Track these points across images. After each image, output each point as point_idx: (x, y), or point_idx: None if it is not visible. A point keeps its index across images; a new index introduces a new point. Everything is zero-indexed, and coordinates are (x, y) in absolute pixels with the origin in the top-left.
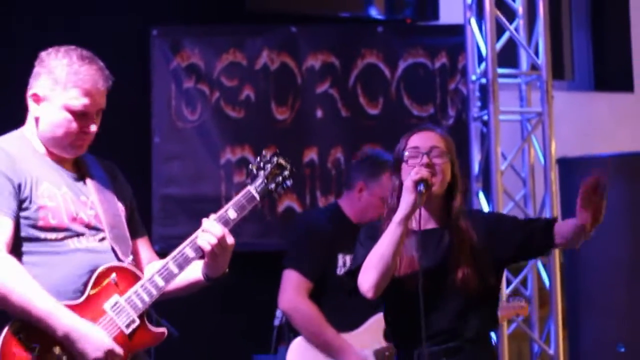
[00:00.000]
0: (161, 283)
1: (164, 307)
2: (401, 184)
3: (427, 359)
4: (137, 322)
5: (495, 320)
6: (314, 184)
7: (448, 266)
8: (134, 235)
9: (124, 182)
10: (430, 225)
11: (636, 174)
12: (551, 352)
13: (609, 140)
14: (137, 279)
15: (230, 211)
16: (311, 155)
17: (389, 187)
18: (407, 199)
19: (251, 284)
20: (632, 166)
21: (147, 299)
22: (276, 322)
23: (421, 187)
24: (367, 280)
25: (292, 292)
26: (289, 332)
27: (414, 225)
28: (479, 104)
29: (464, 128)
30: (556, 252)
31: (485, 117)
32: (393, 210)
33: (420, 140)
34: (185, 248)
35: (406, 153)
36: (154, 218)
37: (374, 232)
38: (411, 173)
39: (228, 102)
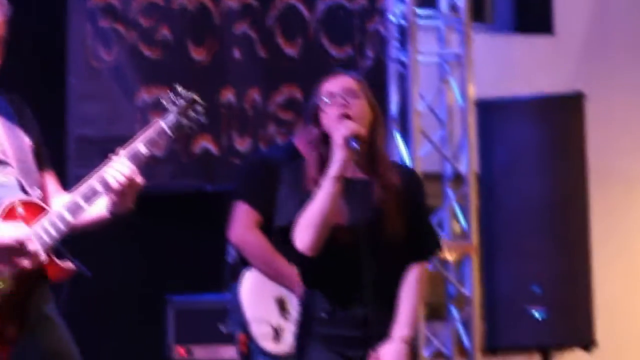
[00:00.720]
0: (69, 217)
1: (76, 247)
2: (321, 134)
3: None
4: (44, 256)
5: None
6: (231, 124)
7: (377, 219)
8: (41, 169)
9: (30, 117)
10: (356, 173)
11: (553, 115)
12: (467, 293)
13: (528, 83)
14: (44, 212)
15: (140, 146)
16: (228, 95)
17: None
18: (339, 155)
19: (167, 226)
20: (549, 107)
21: (54, 233)
22: (229, 260)
23: (354, 144)
24: (305, 240)
25: (241, 224)
26: (242, 266)
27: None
28: (397, 45)
29: (383, 69)
30: (472, 194)
31: (404, 59)
32: (316, 161)
33: (334, 85)
34: (93, 183)
35: (323, 99)
36: (70, 158)
37: (298, 176)
38: (340, 128)
39: (144, 42)
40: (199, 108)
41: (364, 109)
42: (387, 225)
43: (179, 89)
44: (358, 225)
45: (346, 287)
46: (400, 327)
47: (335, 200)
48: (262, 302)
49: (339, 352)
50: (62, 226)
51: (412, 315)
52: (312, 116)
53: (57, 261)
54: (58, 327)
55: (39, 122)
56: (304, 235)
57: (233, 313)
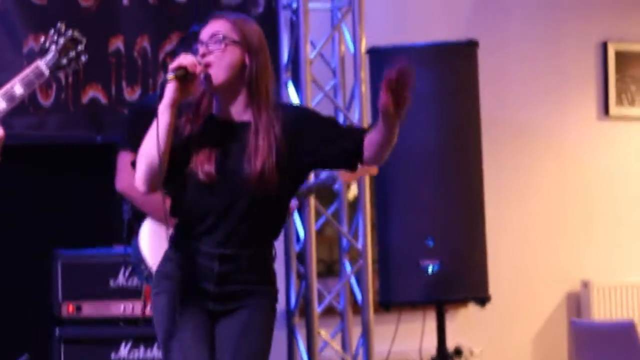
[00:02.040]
0: None
1: None
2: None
3: (202, 258)
4: None
5: (280, 229)
6: (120, 73)
7: (244, 163)
8: None
9: None
10: (242, 116)
11: (446, 63)
12: (359, 246)
13: (422, 32)
14: None
15: (17, 87)
16: (117, 43)
17: None
18: (169, 86)
19: (56, 177)
20: (442, 55)
21: None
22: (125, 216)
23: (173, 74)
24: (139, 175)
25: (126, 171)
26: (137, 222)
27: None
28: None
29: (274, 17)
30: None
31: (295, 5)
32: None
33: (204, 31)
34: None
35: (195, 48)
36: None
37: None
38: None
39: None
40: (80, 47)
41: (225, 53)
42: (253, 171)
43: (60, 27)
44: (222, 168)
45: (203, 227)
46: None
47: (167, 132)
48: (163, 249)
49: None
50: None
51: None
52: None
53: None
54: None
55: None
56: (137, 169)
57: (137, 267)
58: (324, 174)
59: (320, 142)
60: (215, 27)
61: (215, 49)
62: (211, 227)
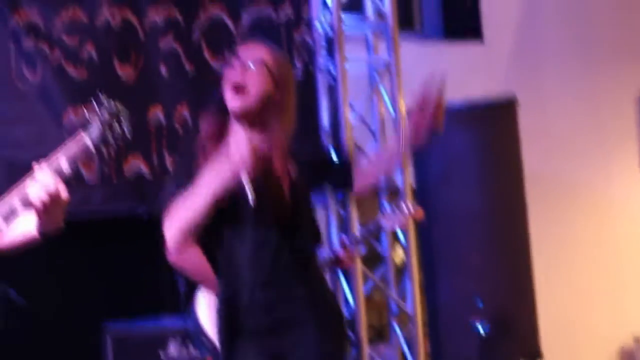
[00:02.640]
0: None
1: (9, 274)
2: (221, 99)
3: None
4: None
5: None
6: (161, 142)
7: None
8: None
9: None
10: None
11: (486, 122)
12: (409, 309)
13: (460, 91)
14: None
15: (62, 161)
16: (156, 113)
17: None
18: (225, 174)
19: (103, 251)
20: (482, 115)
21: None
22: (181, 289)
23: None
24: (169, 234)
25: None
26: (195, 291)
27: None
28: (325, 54)
29: (312, 81)
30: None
31: (332, 68)
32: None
33: (244, 51)
34: (13, 200)
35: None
36: None
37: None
38: (237, 152)
39: (69, 61)
40: (123, 120)
41: (261, 83)
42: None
43: (102, 98)
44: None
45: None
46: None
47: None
48: None
49: (261, 343)
50: None
51: None
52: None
53: None
54: None
55: None
56: (169, 227)
57: (196, 338)
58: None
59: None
60: (255, 52)
61: (251, 75)
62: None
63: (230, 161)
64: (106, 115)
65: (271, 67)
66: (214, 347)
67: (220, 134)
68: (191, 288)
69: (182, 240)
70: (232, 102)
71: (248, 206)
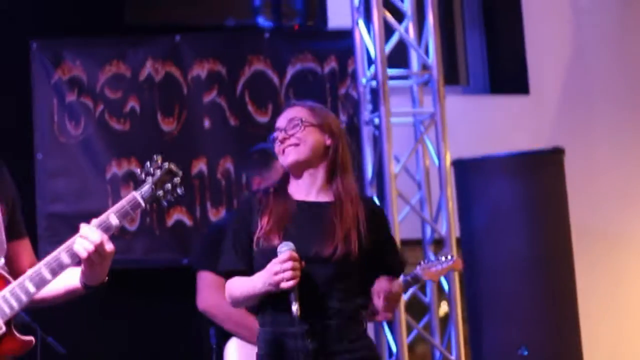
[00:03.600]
0: (32, 289)
1: (52, 322)
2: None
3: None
4: (3, 329)
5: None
6: (204, 195)
7: (321, 238)
8: (13, 236)
9: (7, 179)
10: (309, 197)
11: (532, 172)
12: (453, 357)
13: (505, 143)
14: (7, 283)
15: (112, 217)
16: (200, 166)
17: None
18: (266, 287)
19: (144, 301)
20: (528, 165)
21: (15, 305)
22: (213, 341)
23: (294, 309)
24: (228, 299)
25: (207, 291)
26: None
27: (293, 194)
28: (370, 107)
29: (357, 133)
30: (455, 255)
31: (377, 121)
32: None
33: (280, 119)
34: (60, 253)
35: (273, 136)
36: (40, 236)
37: (244, 210)
38: (273, 272)
39: (112, 115)
40: (176, 180)
41: (307, 135)
42: (330, 246)
43: (157, 159)
44: (300, 250)
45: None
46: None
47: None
48: None
49: None
50: (24, 297)
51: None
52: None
53: (17, 334)
54: None
55: None
56: (231, 295)
57: None
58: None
59: (377, 246)
60: (292, 113)
61: (295, 132)
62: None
63: (274, 278)
64: (160, 175)
65: (312, 119)
66: None
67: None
68: (223, 339)
69: (233, 305)
70: (284, 158)
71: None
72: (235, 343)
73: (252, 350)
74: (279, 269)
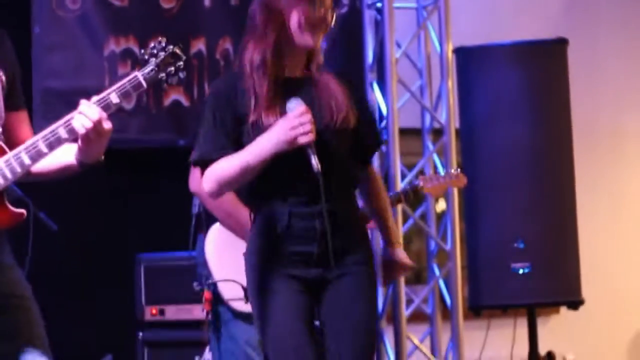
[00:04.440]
0: (27, 161)
1: (44, 201)
2: (280, 15)
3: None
4: None
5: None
6: (202, 75)
7: (322, 115)
8: (12, 107)
9: (8, 48)
10: (296, 73)
11: (535, 62)
12: (448, 248)
13: (509, 30)
14: (3, 153)
15: (112, 95)
16: (199, 45)
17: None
18: (280, 144)
19: (138, 181)
20: (531, 54)
21: (9, 175)
22: (194, 210)
23: (314, 163)
24: (210, 188)
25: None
26: (207, 218)
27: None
28: None
29: (359, 17)
30: (452, 144)
31: (380, 5)
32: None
33: (319, 5)
34: (58, 128)
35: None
36: (35, 111)
37: (227, 91)
38: (290, 127)
39: None
40: (179, 63)
41: (330, 17)
42: (335, 113)
43: (162, 40)
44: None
45: (301, 192)
46: (396, 235)
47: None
48: (230, 260)
49: (298, 276)
50: (18, 169)
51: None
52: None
53: (9, 205)
54: (10, 271)
55: None
56: (210, 183)
57: (201, 269)
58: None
59: (360, 124)
60: (328, 3)
61: (328, 17)
62: (302, 187)
63: (289, 133)
64: (163, 57)
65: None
66: (215, 286)
67: (269, 64)
68: (204, 213)
69: (218, 192)
70: (311, 39)
71: (311, 170)
72: (217, 229)
73: (235, 242)
74: (296, 123)
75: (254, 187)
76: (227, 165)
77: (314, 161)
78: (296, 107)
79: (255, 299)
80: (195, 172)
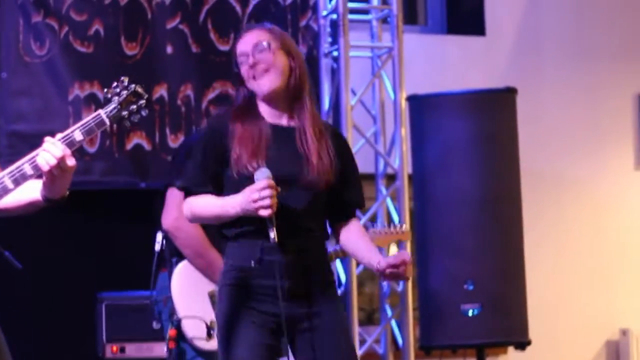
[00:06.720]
0: None
1: (9, 240)
2: (248, 92)
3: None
4: None
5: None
6: (164, 121)
7: (299, 166)
8: None
9: None
10: (282, 121)
11: (485, 110)
12: (399, 289)
13: (460, 81)
14: None
15: (76, 132)
16: (161, 91)
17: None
18: (244, 211)
19: (100, 223)
20: (481, 102)
21: None
22: (157, 248)
23: (272, 235)
24: (186, 214)
25: (176, 210)
26: (170, 256)
27: (266, 118)
28: (329, 39)
29: (316, 65)
30: (405, 189)
31: (336, 53)
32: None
33: (243, 43)
34: (23, 164)
35: (238, 61)
36: (1, 154)
37: (215, 133)
38: (252, 200)
39: (77, 37)
40: (141, 102)
41: (276, 59)
42: (309, 171)
43: (124, 80)
44: (281, 173)
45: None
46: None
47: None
48: (195, 298)
49: (266, 312)
50: None
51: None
52: (239, 81)
53: None
54: None
55: None
56: (189, 213)
57: (164, 306)
58: None
59: (343, 178)
60: (255, 37)
61: (263, 57)
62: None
63: (251, 204)
64: (125, 96)
65: (277, 42)
66: (179, 323)
67: (246, 112)
68: (167, 251)
69: (192, 221)
70: (261, 85)
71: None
72: (184, 266)
73: (204, 281)
74: (257, 197)
75: (225, 226)
76: (203, 207)
77: (272, 233)
78: (261, 180)
79: (221, 333)
80: (171, 209)
